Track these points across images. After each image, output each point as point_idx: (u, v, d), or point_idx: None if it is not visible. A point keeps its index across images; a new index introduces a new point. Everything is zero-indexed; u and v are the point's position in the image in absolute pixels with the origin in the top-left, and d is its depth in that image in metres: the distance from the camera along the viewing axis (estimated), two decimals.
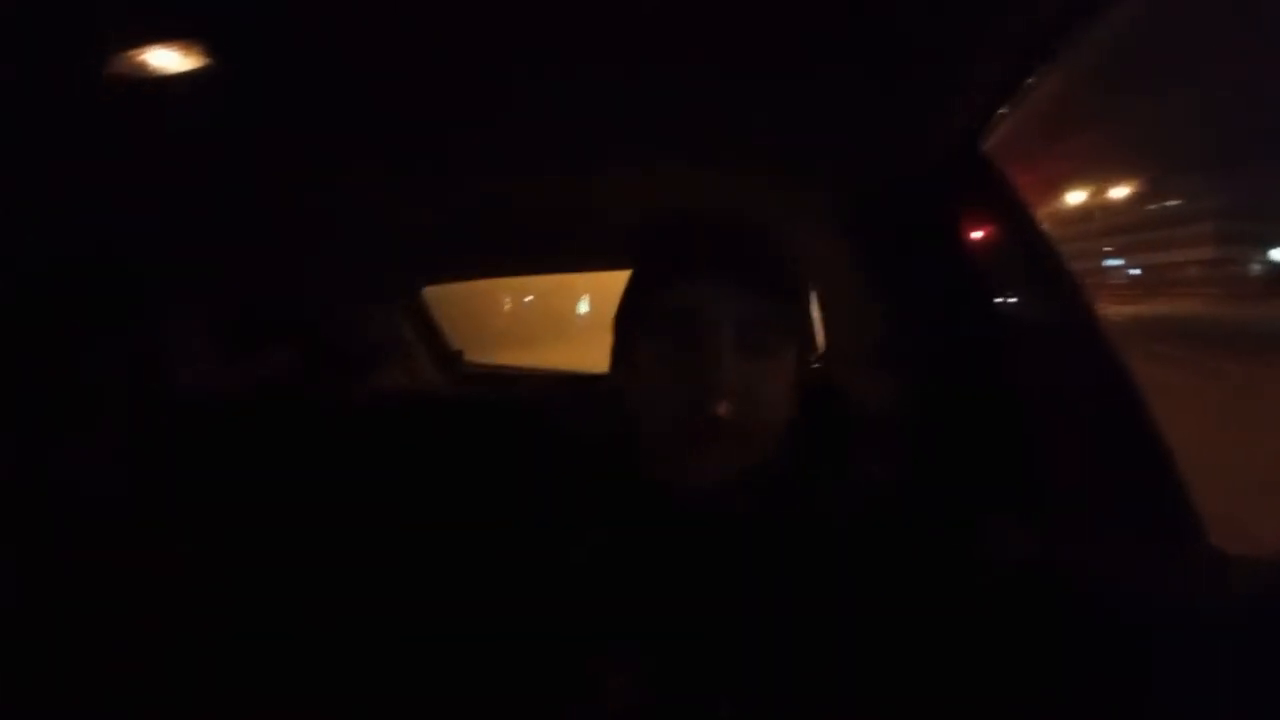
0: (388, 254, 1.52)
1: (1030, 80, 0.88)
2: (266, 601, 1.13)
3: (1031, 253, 0.99)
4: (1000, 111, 0.95)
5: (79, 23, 0.67)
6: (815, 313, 1.40)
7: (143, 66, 0.76)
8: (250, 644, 1.09)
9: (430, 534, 1.09)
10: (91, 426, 1.09)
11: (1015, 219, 1.00)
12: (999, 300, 1.02)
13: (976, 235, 1.04)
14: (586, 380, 1.54)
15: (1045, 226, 1.02)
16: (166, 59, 0.76)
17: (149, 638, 1.00)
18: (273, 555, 1.12)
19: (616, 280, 0.82)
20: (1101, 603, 0.78)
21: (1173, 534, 0.86)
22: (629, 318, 0.76)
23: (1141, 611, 0.76)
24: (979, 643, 0.72)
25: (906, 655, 0.67)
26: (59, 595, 0.96)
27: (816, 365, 1.41)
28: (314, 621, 1.13)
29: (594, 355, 0.83)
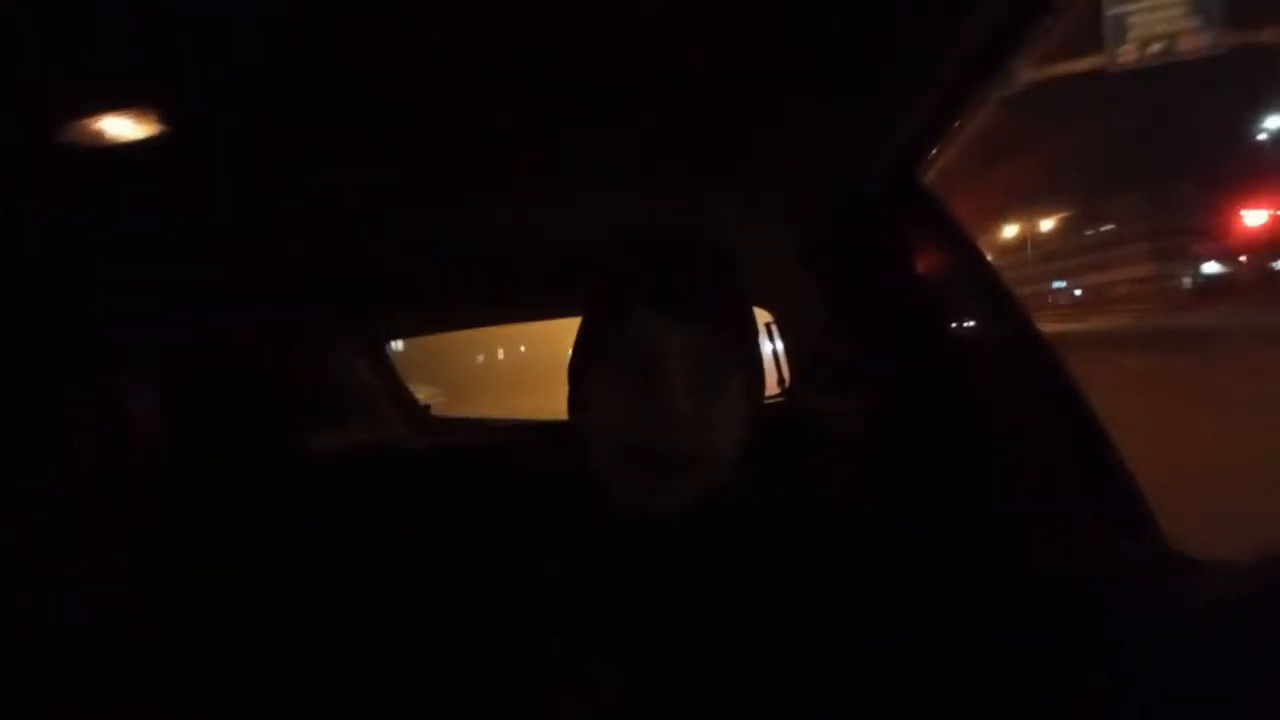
0: (351, 306, 1.51)
1: (965, 110, 0.93)
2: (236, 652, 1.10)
3: (975, 277, 1.03)
4: (937, 141, 1.00)
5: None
6: (772, 341, 1.44)
7: (102, 119, 0.76)
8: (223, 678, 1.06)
9: (393, 582, 1.08)
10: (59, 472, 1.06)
11: (956, 245, 1.04)
12: (946, 323, 1.06)
13: (921, 261, 1.07)
14: (550, 426, 1.54)
15: (987, 252, 1.07)
16: (126, 116, 0.76)
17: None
18: (239, 607, 1.10)
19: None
20: (1069, 609, 0.80)
21: (1130, 533, 0.87)
22: (582, 355, 0.77)
23: (1107, 614, 0.77)
24: (950, 659, 0.74)
25: (874, 676, 0.66)
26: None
27: (776, 393, 1.44)
28: (280, 669, 1.10)
29: (559, 403, 0.84)
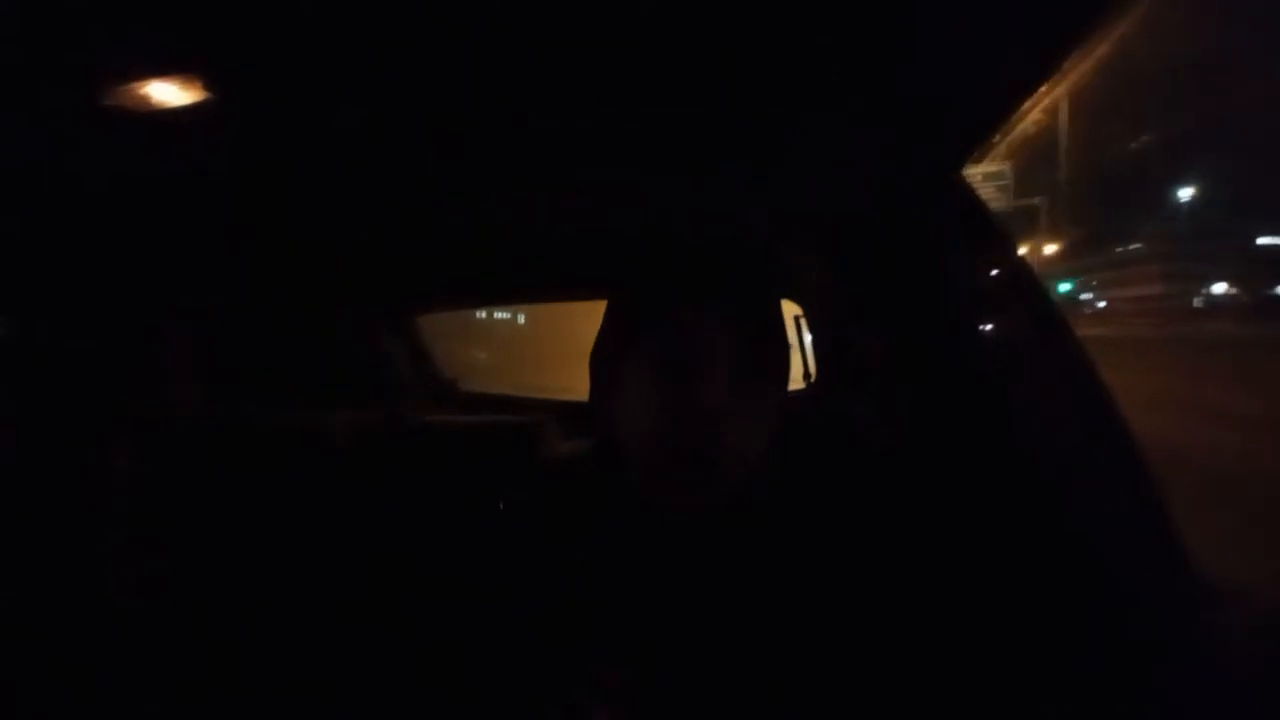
0: (380, 282, 1.53)
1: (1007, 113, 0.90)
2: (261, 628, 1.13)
3: (1009, 279, 1.00)
4: (977, 143, 0.98)
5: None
6: (800, 335, 1.42)
7: (139, 101, 0.78)
8: (242, 653, 1.09)
9: (417, 557, 1.10)
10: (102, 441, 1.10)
11: (993, 247, 1.02)
12: (980, 324, 1.04)
13: (956, 260, 1.05)
14: (577, 407, 1.55)
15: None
16: (161, 94, 0.78)
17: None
18: (269, 582, 1.13)
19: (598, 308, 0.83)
20: (1100, 612, 0.78)
21: (1153, 535, 0.86)
22: (611, 347, 0.77)
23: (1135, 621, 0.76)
24: (974, 659, 0.75)
25: (899, 673, 0.67)
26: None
27: (801, 387, 1.42)
28: (299, 644, 1.13)
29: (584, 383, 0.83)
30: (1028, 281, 1.00)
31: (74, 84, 0.74)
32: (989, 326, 1.02)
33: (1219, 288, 27.01)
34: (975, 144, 0.98)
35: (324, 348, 1.47)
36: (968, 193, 1.02)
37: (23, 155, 0.86)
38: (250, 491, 1.18)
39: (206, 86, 0.76)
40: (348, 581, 1.16)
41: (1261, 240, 29.03)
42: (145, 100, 0.78)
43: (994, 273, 1.02)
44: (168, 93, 0.78)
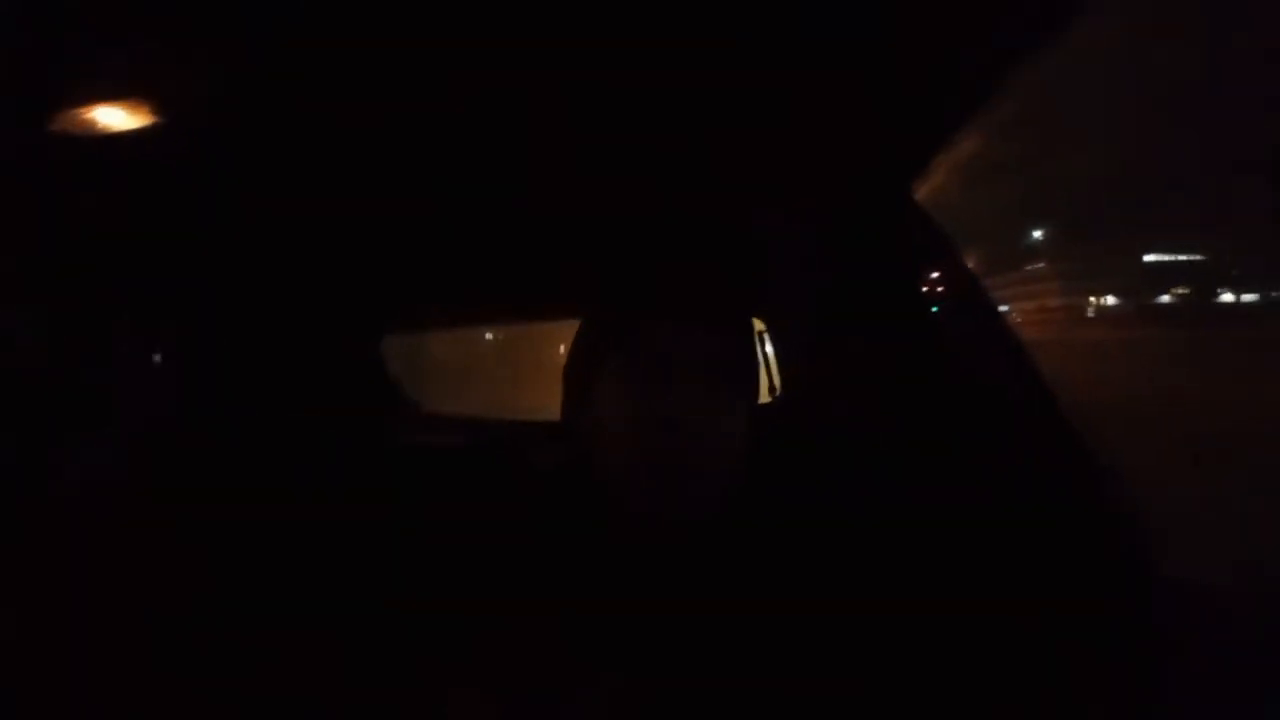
0: (345, 300, 1.50)
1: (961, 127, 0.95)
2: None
3: (964, 292, 1.06)
4: (931, 157, 1.03)
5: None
6: (763, 348, 1.46)
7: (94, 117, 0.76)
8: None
9: (388, 577, 1.07)
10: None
11: (946, 261, 1.08)
12: (937, 334, 1.09)
13: (914, 274, 1.11)
14: (544, 425, 1.55)
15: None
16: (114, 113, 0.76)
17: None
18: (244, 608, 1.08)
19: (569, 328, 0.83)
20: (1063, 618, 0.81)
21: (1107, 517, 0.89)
22: (585, 359, 0.77)
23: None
24: (956, 660, 0.76)
25: (876, 676, 0.68)
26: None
27: (767, 400, 1.46)
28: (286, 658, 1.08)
29: (552, 401, 0.84)
30: (974, 285, 1.06)
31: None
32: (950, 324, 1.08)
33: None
34: (932, 153, 1.02)
35: (287, 362, 1.43)
36: (920, 204, 1.08)
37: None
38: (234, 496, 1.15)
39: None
40: (315, 608, 1.13)
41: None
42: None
43: (943, 277, 1.08)
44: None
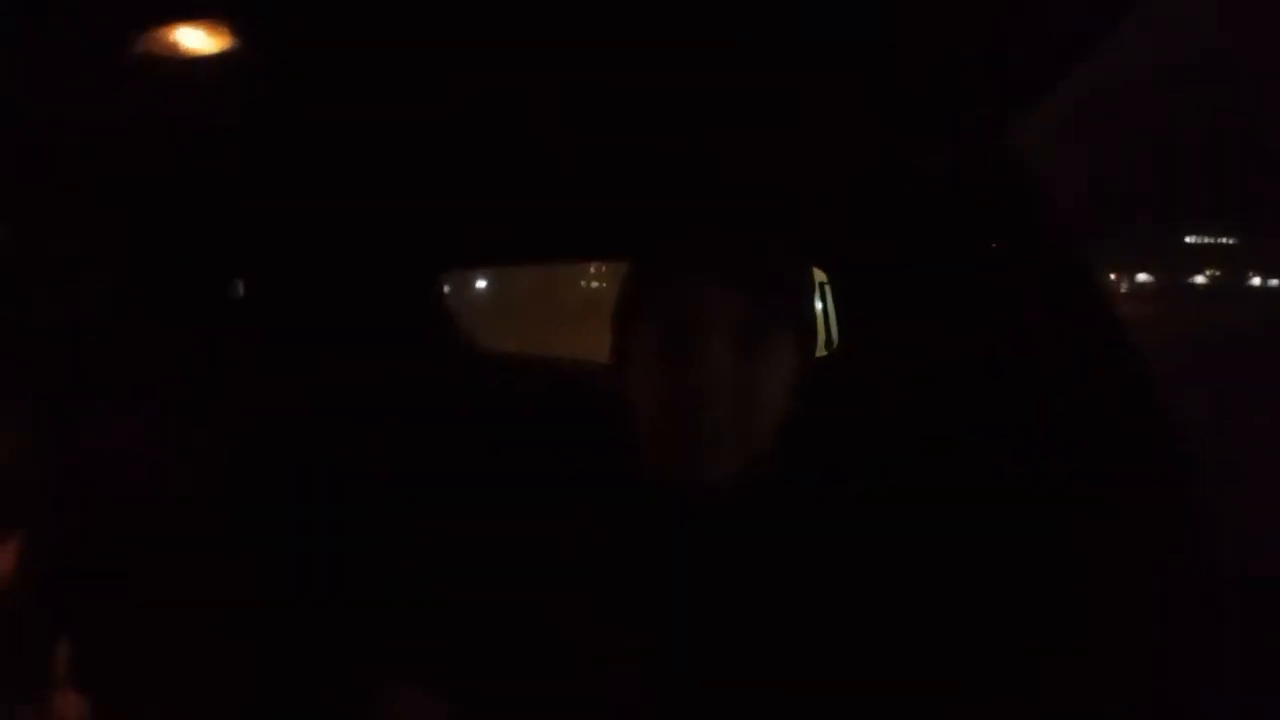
0: (402, 240, 1.49)
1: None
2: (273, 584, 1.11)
3: (1051, 253, 1.02)
4: (1022, 113, 0.96)
5: None
6: (824, 307, 1.44)
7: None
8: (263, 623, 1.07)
9: (436, 519, 1.09)
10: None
11: (1035, 218, 1.03)
12: (1017, 299, 1.05)
13: (995, 234, 1.06)
14: (595, 369, 1.54)
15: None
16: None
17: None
18: (281, 545, 1.11)
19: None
20: (1110, 588, 0.80)
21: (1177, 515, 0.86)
22: (623, 313, 0.75)
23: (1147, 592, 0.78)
24: (985, 637, 0.75)
25: (908, 652, 0.67)
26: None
27: (823, 355, 1.44)
28: (312, 603, 1.11)
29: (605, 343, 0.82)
30: (1067, 256, 1.01)
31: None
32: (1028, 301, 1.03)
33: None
34: (1022, 110, 0.96)
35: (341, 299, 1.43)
36: (1015, 163, 1.02)
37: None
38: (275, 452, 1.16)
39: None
40: (362, 543, 1.15)
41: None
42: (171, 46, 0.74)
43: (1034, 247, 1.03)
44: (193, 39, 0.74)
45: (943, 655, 0.69)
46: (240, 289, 1.29)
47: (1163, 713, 0.75)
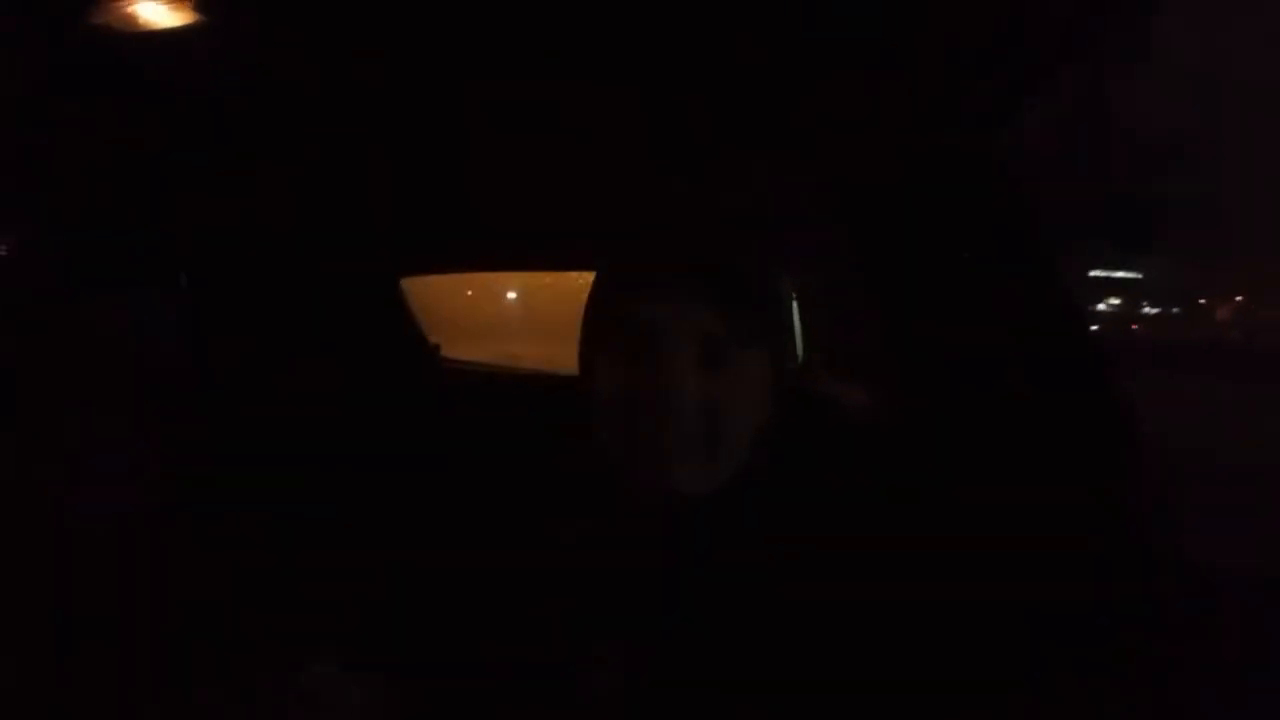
0: (365, 244, 1.43)
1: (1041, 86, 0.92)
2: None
3: (1029, 257, 1.04)
4: (1006, 115, 0.99)
5: None
6: (796, 316, 1.43)
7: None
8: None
9: (403, 527, 1.04)
10: None
11: (1015, 220, 1.04)
12: (995, 303, 1.06)
13: (974, 236, 1.08)
14: (562, 380, 1.50)
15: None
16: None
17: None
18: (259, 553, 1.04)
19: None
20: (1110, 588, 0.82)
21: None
22: (589, 327, 0.74)
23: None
24: (970, 645, 0.73)
25: (889, 660, 0.66)
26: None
27: (795, 370, 1.43)
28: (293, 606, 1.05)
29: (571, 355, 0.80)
30: (1040, 263, 1.04)
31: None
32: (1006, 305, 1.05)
33: None
34: (1001, 113, 0.99)
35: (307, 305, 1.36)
36: (994, 167, 1.02)
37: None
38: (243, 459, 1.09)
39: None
40: (333, 552, 1.09)
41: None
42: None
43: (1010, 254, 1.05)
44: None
45: (930, 662, 0.68)
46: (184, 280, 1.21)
47: (1163, 713, 0.76)
